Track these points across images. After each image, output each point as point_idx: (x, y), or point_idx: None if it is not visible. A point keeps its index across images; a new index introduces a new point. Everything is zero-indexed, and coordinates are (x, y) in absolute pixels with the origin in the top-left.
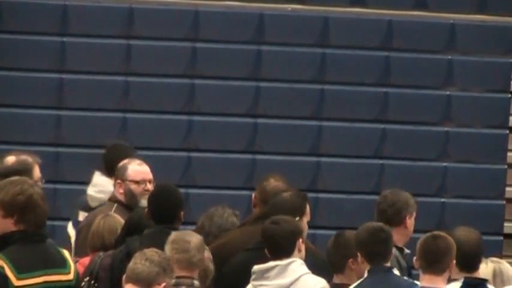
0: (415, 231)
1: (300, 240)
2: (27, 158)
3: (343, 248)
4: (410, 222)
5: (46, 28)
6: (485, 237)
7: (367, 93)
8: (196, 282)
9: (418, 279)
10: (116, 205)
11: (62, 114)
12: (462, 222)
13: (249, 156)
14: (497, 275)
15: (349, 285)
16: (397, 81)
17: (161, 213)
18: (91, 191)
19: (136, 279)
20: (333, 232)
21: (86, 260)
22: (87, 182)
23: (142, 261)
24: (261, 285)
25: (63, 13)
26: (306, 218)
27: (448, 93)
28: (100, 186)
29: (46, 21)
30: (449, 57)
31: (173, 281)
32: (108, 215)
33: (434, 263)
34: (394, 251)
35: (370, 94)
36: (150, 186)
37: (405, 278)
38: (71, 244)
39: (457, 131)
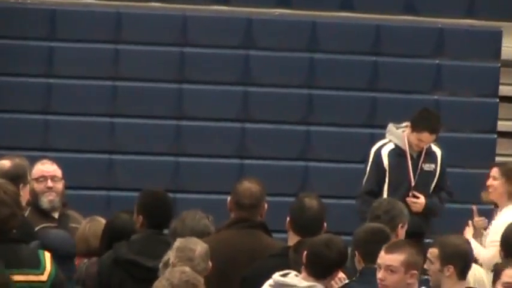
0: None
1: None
2: (22, 161)
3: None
4: (402, 232)
5: (34, 33)
6: None
7: (355, 98)
8: None
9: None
10: (29, 208)
11: (49, 119)
12: (453, 228)
13: (238, 161)
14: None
15: None
16: (386, 86)
17: (157, 220)
18: None
19: None
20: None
21: None
22: (73, 187)
23: (163, 281)
24: None
25: (51, 18)
26: None
27: (436, 97)
28: None
29: (34, 26)
30: (438, 61)
31: None
32: (94, 220)
33: None
34: None
35: (359, 99)
36: (52, 184)
37: None
38: None
39: (446, 135)
